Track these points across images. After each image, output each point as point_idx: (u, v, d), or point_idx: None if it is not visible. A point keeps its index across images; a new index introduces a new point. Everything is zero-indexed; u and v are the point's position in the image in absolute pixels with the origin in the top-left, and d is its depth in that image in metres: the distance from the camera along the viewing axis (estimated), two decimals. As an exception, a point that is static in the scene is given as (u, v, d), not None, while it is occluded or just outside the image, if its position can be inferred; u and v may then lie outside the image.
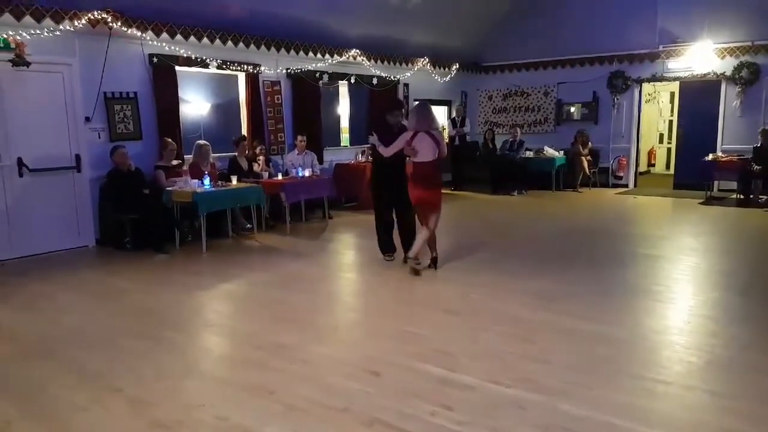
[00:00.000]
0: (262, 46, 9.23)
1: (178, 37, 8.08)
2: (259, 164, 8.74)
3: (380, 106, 10.66)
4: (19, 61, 6.38)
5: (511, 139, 12.40)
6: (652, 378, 3.44)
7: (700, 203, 10.16)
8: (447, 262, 6.18)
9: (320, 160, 9.89)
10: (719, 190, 10.94)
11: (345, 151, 11.23)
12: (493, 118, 14.01)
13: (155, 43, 7.84)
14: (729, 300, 5.02)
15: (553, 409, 3.08)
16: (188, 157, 8.12)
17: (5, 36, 6.37)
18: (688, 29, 11.27)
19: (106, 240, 7.45)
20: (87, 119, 7.30)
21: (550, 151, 12.25)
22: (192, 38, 8.25)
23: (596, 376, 3.47)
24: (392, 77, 11.51)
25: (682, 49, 11.38)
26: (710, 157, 10.58)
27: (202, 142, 8.05)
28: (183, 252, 7.10)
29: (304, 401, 3.22)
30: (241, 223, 8.10)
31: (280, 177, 8.57)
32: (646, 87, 12.70)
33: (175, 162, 7.78)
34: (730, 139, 11.16)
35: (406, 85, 11.96)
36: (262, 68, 9.27)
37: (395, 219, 6.22)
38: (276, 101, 9.64)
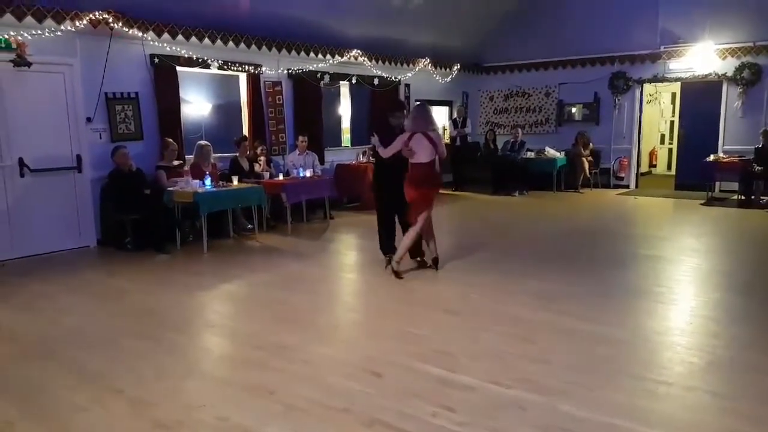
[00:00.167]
0: (263, 47, 9.24)
1: (180, 37, 8.08)
2: (260, 164, 8.74)
3: (381, 106, 10.68)
4: (21, 62, 6.38)
5: (512, 140, 12.39)
6: (653, 379, 3.44)
7: (701, 204, 10.15)
8: (448, 263, 6.18)
9: (321, 161, 9.89)
10: (720, 190, 10.94)
11: (346, 152, 11.23)
12: (494, 118, 14.01)
13: (156, 43, 7.85)
14: (730, 301, 5.01)
15: (554, 409, 3.08)
16: (189, 158, 8.13)
17: (6, 36, 6.38)
18: (689, 30, 11.26)
19: (107, 240, 7.45)
20: (88, 119, 7.30)
21: (551, 152, 12.24)
22: (193, 39, 8.26)
23: (597, 377, 3.47)
24: (393, 78, 11.51)
25: (684, 50, 11.37)
26: (711, 157, 10.56)
27: (203, 142, 8.06)
28: (184, 252, 7.10)
29: (304, 401, 3.22)
30: (242, 223, 8.10)
31: (281, 177, 8.57)
32: (648, 88, 12.69)
33: (176, 162, 7.79)
34: (732, 139, 11.15)
35: (407, 85, 11.96)
36: (264, 68, 9.27)
37: (397, 220, 6.22)
38: (277, 101, 9.64)
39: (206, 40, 8.42)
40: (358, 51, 10.59)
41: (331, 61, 10.27)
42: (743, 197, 10.10)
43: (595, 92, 12.53)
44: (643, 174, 13.52)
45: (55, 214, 7.08)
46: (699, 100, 11.68)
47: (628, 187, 12.51)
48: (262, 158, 8.82)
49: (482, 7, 12.16)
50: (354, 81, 10.85)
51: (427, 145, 5.59)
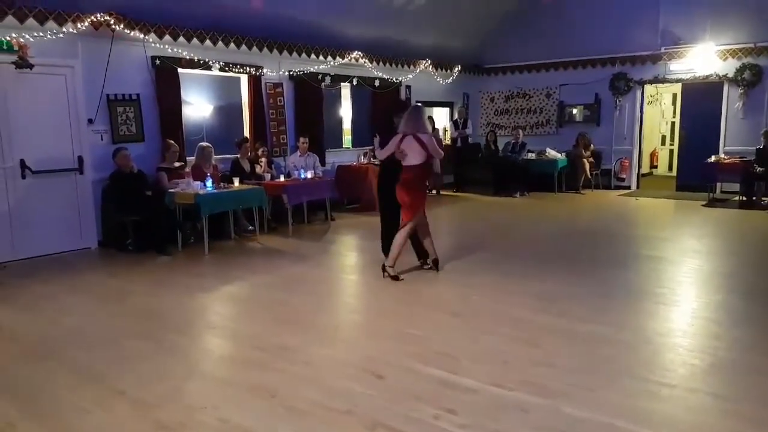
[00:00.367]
0: (265, 48, 9.25)
1: (181, 39, 8.10)
2: (261, 166, 8.74)
3: (382, 108, 10.71)
4: (22, 64, 6.39)
5: (513, 141, 12.40)
6: (655, 380, 3.43)
7: (702, 205, 10.14)
8: (448, 264, 6.18)
9: (322, 162, 9.89)
10: (722, 192, 10.94)
11: (347, 153, 11.24)
12: (495, 119, 14.01)
13: (158, 45, 7.86)
14: (732, 302, 5.00)
15: (556, 411, 3.08)
16: (191, 159, 8.13)
17: (8, 38, 6.38)
18: (690, 31, 11.27)
19: (109, 242, 7.45)
20: (90, 121, 7.31)
21: (552, 153, 12.24)
22: (195, 40, 8.27)
23: (599, 379, 3.47)
24: (394, 79, 11.52)
25: (685, 51, 11.38)
26: (713, 158, 10.56)
27: (204, 144, 8.06)
28: (185, 254, 7.11)
29: (306, 403, 3.22)
30: (243, 224, 8.10)
31: (282, 179, 8.58)
32: (648, 89, 12.70)
33: (177, 164, 7.80)
34: (733, 140, 11.15)
35: (408, 87, 11.97)
36: (265, 70, 9.28)
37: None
38: (278, 103, 9.65)
39: (207, 42, 8.43)
40: (359, 52, 10.60)
41: (332, 63, 10.28)
42: (744, 198, 10.10)
43: (596, 93, 12.54)
44: (644, 175, 13.51)
45: (57, 216, 7.08)
46: (700, 101, 11.67)
47: (629, 188, 12.51)
48: (263, 160, 8.82)
49: (483, 9, 12.17)
50: (355, 82, 10.86)
51: (417, 147, 5.56)
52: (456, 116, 13.06)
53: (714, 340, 4.12)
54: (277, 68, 9.54)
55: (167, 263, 6.74)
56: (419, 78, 12.13)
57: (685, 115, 12.27)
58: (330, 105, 11.03)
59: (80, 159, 7.26)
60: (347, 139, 11.78)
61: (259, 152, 8.86)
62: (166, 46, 7.94)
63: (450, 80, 13.08)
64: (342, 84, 10.92)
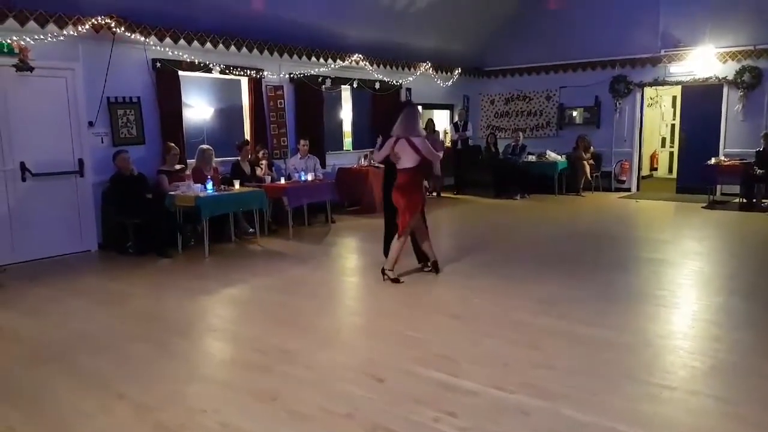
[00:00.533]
0: (265, 51, 9.26)
1: (182, 42, 8.11)
2: (261, 168, 8.75)
3: (383, 110, 10.72)
4: (23, 66, 6.40)
5: (513, 143, 12.40)
6: (655, 383, 3.43)
7: (703, 207, 10.14)
8: (449, 266, 6.18)
9: (323, 164, 9.90)
10: (722, 194, 10.94)
11: (347, 155, 11.25)
12: (495, 122, 14.02)
13: (158, 48, 7.87)
14: (733, 304, 5.00)
15: (557, 414, 3.08)
16: (191, 162, 8.14)
17: (9, 41, 6.39)
18: (690, 33, 11.27)
19: (109, 244, 7.45)
20: (90, 124, 7.32)
21: (552, 155, 12.25)
22: (195, 43, 8.28)
23: (600, 381, 3.46)
24: (395, 82, 11.54)
25: (684, 54, 11.38)
26: (713, 161, 10.56)
27: (205, 146, 8.07)
28: (186, 256, 7.11)
29: (307, 407, 3.22)
30: (244, 227, 8.11)
31: (282, 181, 8.57)
32: (648, 91, 12.70)
33: (178, 166, 7.80)
34: (733, 143, 11.15)
35: (408, 89, 11.98)
36: (265, 73, 9.29)
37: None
38: (279, 106, 9.66)
39: (208, 45, 8.44)
40: (360, 55, 10.61)
41: (332, 66, 10.29)
42: (745, 200, 10.10)
43: (596, 96, 12.54)
44: (644, 177, 13.52)
45: (57, 218, 7.08)
46: (700, 103, 11.68)
47: (629, 190, 12.51)
48: (264, 162, 8.83)
49: (483, 11, 12.19)
50: (355, 85, 10.87)
51: (409, 151, 5.52)
52: (456, 119, 13.07)
53: (715, 342, 4.12)
54: (277, 71, 9.55)
55: (168, 266, 6.74)
56: (419, 80, 12.14)
57: (685, 117, 12.28)
58: (330, 107, 11.05)
59: (81, 161, 7.27)
60: (347, 141, 11.79)
61: (260, 155, 8.86)
62: (167, 49, 7.95)
63: (450, 83, 13.09)
64: (342, 86, 10.92)
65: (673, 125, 14.82)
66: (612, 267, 6.23)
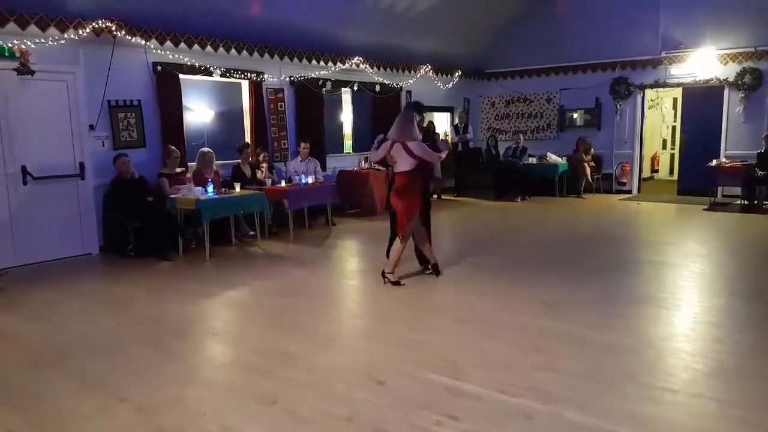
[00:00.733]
0: (266, 54, 9.28)
1: (182, 45, 8.12)
2: (262, 171, 8.75)
3: (383, 113, 10.71)
4: (24, 70, 6.41)
5: (513, 146, 12.39)
6: (658, 386, 3.42)
7: (704, 209, 10.13)
8: (450, 269, 6.17)
9: (323, 167, 9.90)
10: (723, 195, 10.93)
11: (348, 158, 11.25)
12: (496, 124, 14.02)
13: (159, 51, 7.88)
14: (734, 306, 4.99)
15: (560, 417, 3.07)
16: (192, 165, 8.14)
17: (10, 45, 6.40)
18: (690, 35, 11.27)
19: (110, 247, 7.46)
20: (91, 127, 7.32)
21: (553, 158, 12.24)
22: (195, 46, 8.29)
23: (602, 384, 3.45)
24: (395, 84, 11.54)
25: (685, 55, 11.38)
26: (714, 162, 10.56)
27: (205, 149, 8.08)
28: (186, 259, 7.10)
29: (307, 410, 3.21)
30: (245, 230, 8.10)
31: (283, 184, 8.57)
32: (649, 93, 12.69)
33: (178, 169, 7.80)
34: (734, 144, 11.14)
35: (408, 92, 11.97)
36: (266, 76, 9.29)
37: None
38: (279, 108, 9.66)
39: (208, 48, 8.45)
40: (360, 58, 10.62)
41: (332, 68, 10.30)
42: (746, 202, 10.09)
43: (597, 98, 12.54)
44: (645, 179, 13.50)
45: (58, 222, 7.08)
46: (701, 105, 11.67)
47: (630, 192, 12.49)
48: (264, 165, 8.83)
49: (483, 14, 12.19)
50: (355, 88, 10.88)
51: (404, 155, 5.47)
52: (457, 121, 13.08)
53: (716, 344, 4.11)
54: (278, 74, 9.56)
55: (168, 269, 6.73)
56: (420, 83, 12.13)
57: (686, 119, 12.28)
58: (331, 110, 11.05)
59: (82, 165, 7.27)
60: (348, 144, 11.78)
61: (260, 157, 8.86)
62: (167, 52, 7.96)
63: (450, 85, 13.09)
64: (343, 89, 10.93)
65: (674, 127, 14.83)
66: (613, 269, 6.21)
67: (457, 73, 13.13)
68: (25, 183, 6.80)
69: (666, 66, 11.68)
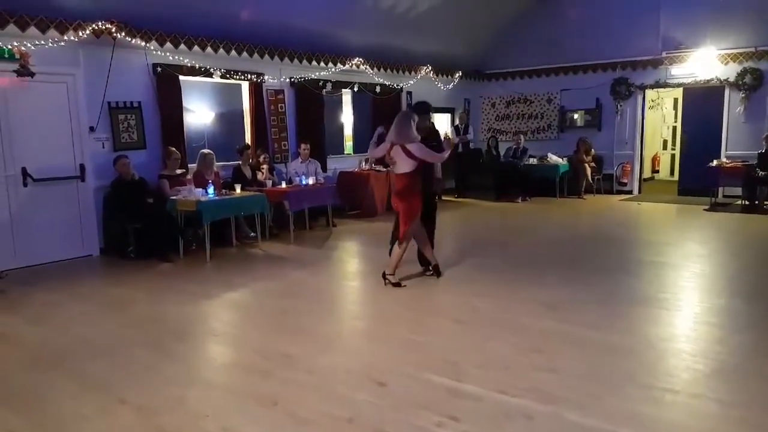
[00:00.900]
0: (266, 55, 9.28)
1: (182, 46, 8.12)
2: (262, 172, 8.75)
3: (383, 114, 10.70)
4: (24, 72, 6.42)
5: (514, 146, 12.38)
6: (659, 386, 3.42)
7: (705, 210, 10.12)
8: (451, 270, 6.17)
9: (324, 168, 9.90)
10: (724, 196, 10.92)
11: (349, 159, 11.25)
12: (496, 125, 14.02)
13: (159, 52, 7.88)
14: (735, 307, 4.98)
15: (561, 418, 3.06)
16: (192, 166, 8.14)
17: (10, 46, 6.41)
18: (691, 35, 11.27)
19: (111, 249, 7.46)
20: (91, 129, 7.33)
21: (553, 158, 12.24)
22: (196, 48, 8.30)
23: (603, 385, 3.45)
24: (395, 85, 11.55)
25: (685, 56, 11.38)
26: (715, 163, 10.55)
27: (206, 150, 8.09)
28: (187, 261, 7.10)
29: (308, 411, 3.20)
30: (245, 231, 8.10)
31: (283, 185, 8.57)
32: (650, 93, 12.69)
33: (179, 171, 7.81)
34: (735, 145, 11.13)
35: (409, 93, 11.98)
36: (266, 77, 9.30)
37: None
38: (279, 110, 9.67)
39: (209, 49, 8.45)
40: (360, 59, 10.63)
41: (333, 69, 10.30)
42: (747, 202, 10.08)
43: (597, 98, 12.53)
44: (646, 180, 13.49)
45: (58, 223, 7.08)
46: (701, 105, 11.66)
47: (631, 192, 12.49)
48: (265, 166, 8.83)
49: (483, 14, 12.19)
50: (356, 89, 10.88)
51: (403, 157, 5.45)
52: (457, 122, 13.08)
53: (717, 344, 4.11)
54: (278, 75, 9.56)
55: (169, 270, 6.73)
56: (420, 84, 12.14)
57: (686, 119, 12.26)
58: (331, 111, 11.06)
59: (82, 167, 7.27)
60: (348, 145, 11.79)
61: (261, 159, 8.86)
62: (168, 54, 7.96)
63: (451, 86, 13.09)
64: (343, 90, 10.94)
65: (674, 127, 14.81)
66: (614, 270, 6.21)
67: (457, 74, 13.13)
68: (25, 185, 6.80)
69: (666, 66, 11.68)
